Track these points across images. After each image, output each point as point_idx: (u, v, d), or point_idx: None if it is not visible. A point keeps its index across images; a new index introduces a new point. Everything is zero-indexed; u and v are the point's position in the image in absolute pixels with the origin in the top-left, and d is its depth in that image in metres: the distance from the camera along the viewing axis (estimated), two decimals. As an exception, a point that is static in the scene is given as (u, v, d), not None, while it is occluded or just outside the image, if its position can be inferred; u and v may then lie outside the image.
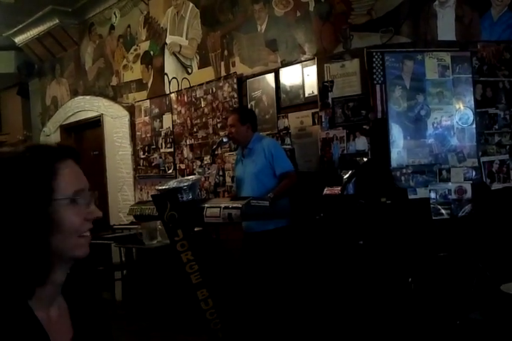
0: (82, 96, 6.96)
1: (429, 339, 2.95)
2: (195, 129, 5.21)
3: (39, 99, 7.98)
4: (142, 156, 6.00)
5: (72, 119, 7.14)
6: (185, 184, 3.63)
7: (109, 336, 1.08)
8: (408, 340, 3.07)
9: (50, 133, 7.54)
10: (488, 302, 2.06)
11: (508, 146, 3.75)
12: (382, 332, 3.15)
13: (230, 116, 4.03)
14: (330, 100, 3.89)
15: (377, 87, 3.66)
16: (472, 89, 3.71)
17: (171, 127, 5.53)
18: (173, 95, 5.49)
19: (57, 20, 6.75)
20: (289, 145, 4.19)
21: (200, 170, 4.75)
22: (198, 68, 5.19)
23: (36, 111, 8.07)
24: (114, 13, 6.31)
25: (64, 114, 7.29)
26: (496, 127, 3.75)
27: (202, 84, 5.09)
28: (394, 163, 3.60)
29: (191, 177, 4.11)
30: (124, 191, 6.17)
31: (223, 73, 4.88)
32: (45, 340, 0.91)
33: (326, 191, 3.55)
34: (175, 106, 5.46)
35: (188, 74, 5.31)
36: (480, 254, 3.18)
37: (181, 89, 5.38)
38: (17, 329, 0.88)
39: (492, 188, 3.68)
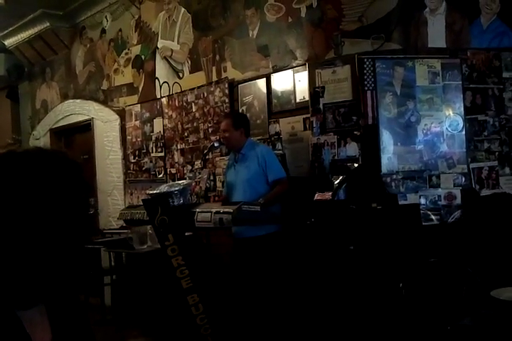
0: (72, 100, 6.93)
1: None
2: (186, 134, 5.20)
3: (29, 102, 7.93)
4: (132, 160, 5.97)
5: (62, 123, 7.10)
6: (176, 188, 3.63)
7: (91, 337, 1.06)
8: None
9: (40, 137, 7.49)
10: (479, 308, 2.07)
11: (497, 153, 3.78)
12: (373, 338, 3.16)
13: (223, 121, 4.02)
14: (321, 106, 3.90)
15: (368, 93, 3.68)
16: (462, 95, 3.74)
17: (161, 131, 5.52)
18: (164, 99, 5.48)
19: (48, 24, 6.73)
20: (280, 150, 4.20)
21: (191, 175, 4.76)
22: (190, 73, 5.19)
23: (26, 114, 8.02)
24: (106, 17, 6.30)
25: (54, 118, 7.25)
26: (486, 134, 3.78)
27: (193, 88, 5.08)
28: (384, 169, 3.62)
29: (182, 181, 4.10)
30: (114, 195, 6.14)
31: (215, 78, 4.88)
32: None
33: (317, 196, 3.56)
34: (166, 111, 5.45)
35: (180, 78, 5.31)
36: (470, 260, 3.20)
37: (172, 94, 5.37)
38: None
39: (481, 194, 3.71)
